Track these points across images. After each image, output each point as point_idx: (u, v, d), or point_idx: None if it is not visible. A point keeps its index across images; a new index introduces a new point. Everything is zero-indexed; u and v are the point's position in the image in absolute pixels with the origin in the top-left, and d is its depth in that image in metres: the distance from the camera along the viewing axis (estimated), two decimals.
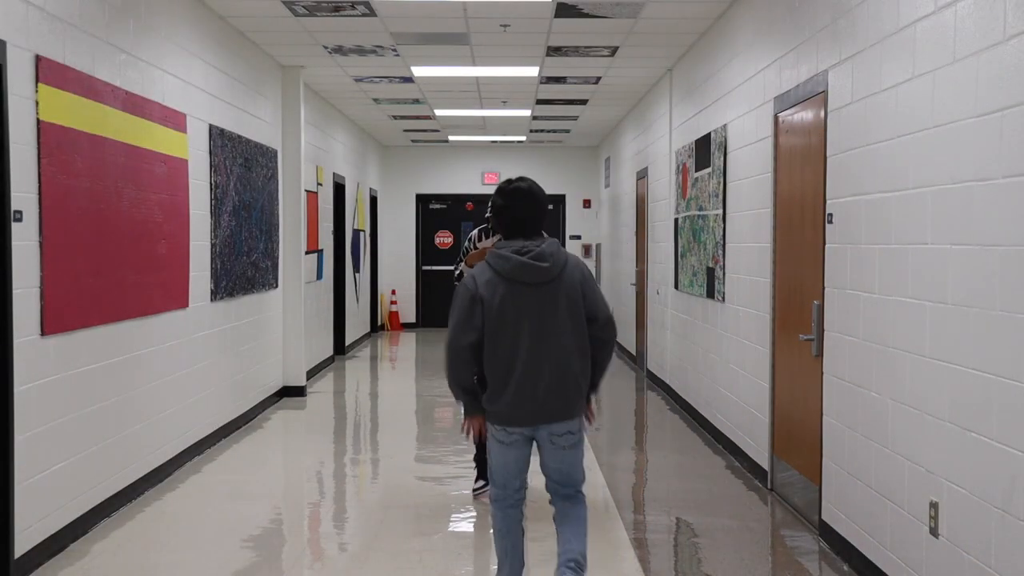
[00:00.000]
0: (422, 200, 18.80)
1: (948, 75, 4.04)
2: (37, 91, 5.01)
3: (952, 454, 4.02)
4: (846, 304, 5.19)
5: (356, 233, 15.28)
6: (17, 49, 4.84)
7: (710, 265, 8.42)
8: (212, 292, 7.92)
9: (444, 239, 18.85)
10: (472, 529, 5.85)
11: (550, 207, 4.42)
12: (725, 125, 7.96)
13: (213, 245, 7.92)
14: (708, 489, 6.82)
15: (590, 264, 18.78)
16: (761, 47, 6.91)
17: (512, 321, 4.14)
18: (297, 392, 10.56)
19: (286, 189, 10.38)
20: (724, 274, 7.93)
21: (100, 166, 5.75)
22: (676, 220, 10.02)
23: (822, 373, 5.57)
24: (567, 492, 4.34)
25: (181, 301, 7.18)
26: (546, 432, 4.21)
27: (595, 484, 6.93)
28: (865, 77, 4.93)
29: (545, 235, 4.34)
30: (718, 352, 8.23)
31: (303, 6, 7.91)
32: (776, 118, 6.56)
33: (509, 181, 4.41)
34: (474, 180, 18.64)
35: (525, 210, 4.28)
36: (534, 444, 4.30)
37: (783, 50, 6.36)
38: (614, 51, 9.64)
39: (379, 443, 8.82)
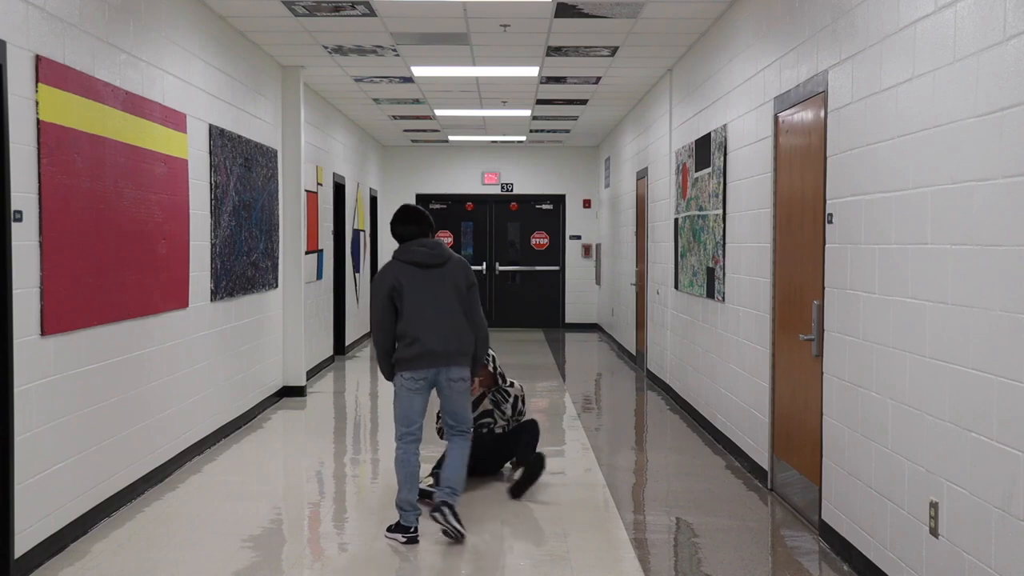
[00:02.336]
0: (422, 200, 18.78)
1: (948, 75, 4.04)
2: (37, 91, 5.01)
3: (952, 454, 4.02)
4: (846, 304, 5.19)
5: (356, 233, 15.28)
6: (17, 49, 4.84)
7: (710, 265, 8.42)
8: (212, 292, 7.92)
9: (444, 239, 18.82)
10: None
11: (433, 225, 6.20)
12: (725, 125, 7.96)
13: (213, 245, 7.92)
14: (708, 489, 6.81)
15: (590, 264, 18.81)
16: (761, 47, 6.91)
17: (418, 292, 5.55)
18: (297, 392, 10.57)
19: (286, 189, 10.39)
20: (724, 274, 7.93)
21: (100, 166, 5.75)
22: (676, 220, 10.02)
23: (822, 373, 5.57)
24: (460, 429, 5.74)
25: (181, 301, 7.18)
26: (445, 377, 5.57)
27: (595, 484, 6.93)
28: (865, 77, 4.93)
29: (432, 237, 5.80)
30: (718, 352, 8.23)
31: (303, 6, 7.91)
32: (776, 118, 6.56)
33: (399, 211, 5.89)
34: (474, 180, 18.64)
35: (411, 225, 5.84)
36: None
37: (783, 50, 6.36)
38: (614, 51, 9.64)
39: (379, 443, 8.82)
